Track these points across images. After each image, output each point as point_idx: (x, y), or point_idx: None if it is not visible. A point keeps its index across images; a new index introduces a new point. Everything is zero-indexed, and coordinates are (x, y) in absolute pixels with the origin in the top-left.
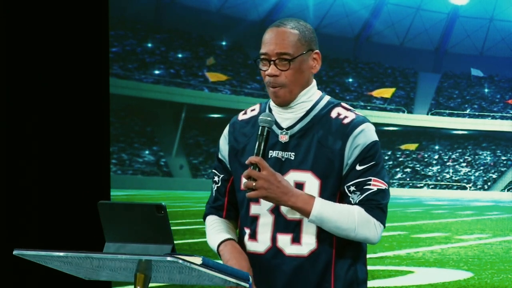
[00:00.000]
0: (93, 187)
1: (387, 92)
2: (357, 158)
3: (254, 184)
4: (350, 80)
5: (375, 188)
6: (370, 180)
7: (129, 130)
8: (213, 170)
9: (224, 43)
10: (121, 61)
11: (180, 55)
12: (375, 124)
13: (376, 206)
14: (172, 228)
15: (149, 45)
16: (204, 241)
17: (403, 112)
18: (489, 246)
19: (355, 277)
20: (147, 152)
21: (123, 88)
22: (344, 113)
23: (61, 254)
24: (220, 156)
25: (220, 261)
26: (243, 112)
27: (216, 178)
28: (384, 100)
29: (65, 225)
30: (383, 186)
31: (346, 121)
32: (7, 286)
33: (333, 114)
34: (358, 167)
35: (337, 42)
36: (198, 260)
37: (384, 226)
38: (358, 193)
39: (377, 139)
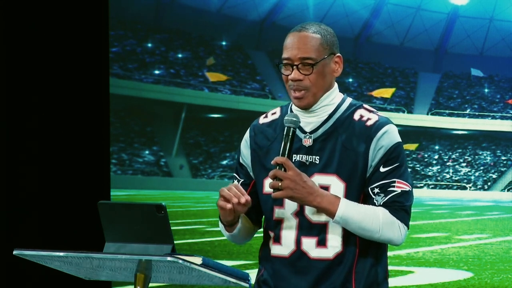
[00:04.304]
0: (93, 187)
1: (387, 92)
2: (381, 159)
3: (280, 184)
4: (350, 80)
5: (399, 190)
6: (394, 182)
7: (129, 130)
8: (234, 174)
9: (224, 43)
10: (121, 61)
11: (180, 55)
12: None
13: (400, 208)
14: (172, 228)
15: (149, 45)
16: (204, 241)
17: (403, 112)
18: (489, 246)
19: (375, 278)
20: (147, 152)
21: (123, 88)
22: (366, 115)
23: (61, 254)
24: (241, 161)
25: (220, 261)
26: (263, 115)
27: (236, 183)
28: (384, 100)
29: (65, 225)
30: (407, 187)
31: (369, 123)
32: (7, 286)
33: (356, 116)
34: (382, 169)
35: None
36: (198, 260)
37: (408, 228)
38: (382, 195)
39: (400, 140)
